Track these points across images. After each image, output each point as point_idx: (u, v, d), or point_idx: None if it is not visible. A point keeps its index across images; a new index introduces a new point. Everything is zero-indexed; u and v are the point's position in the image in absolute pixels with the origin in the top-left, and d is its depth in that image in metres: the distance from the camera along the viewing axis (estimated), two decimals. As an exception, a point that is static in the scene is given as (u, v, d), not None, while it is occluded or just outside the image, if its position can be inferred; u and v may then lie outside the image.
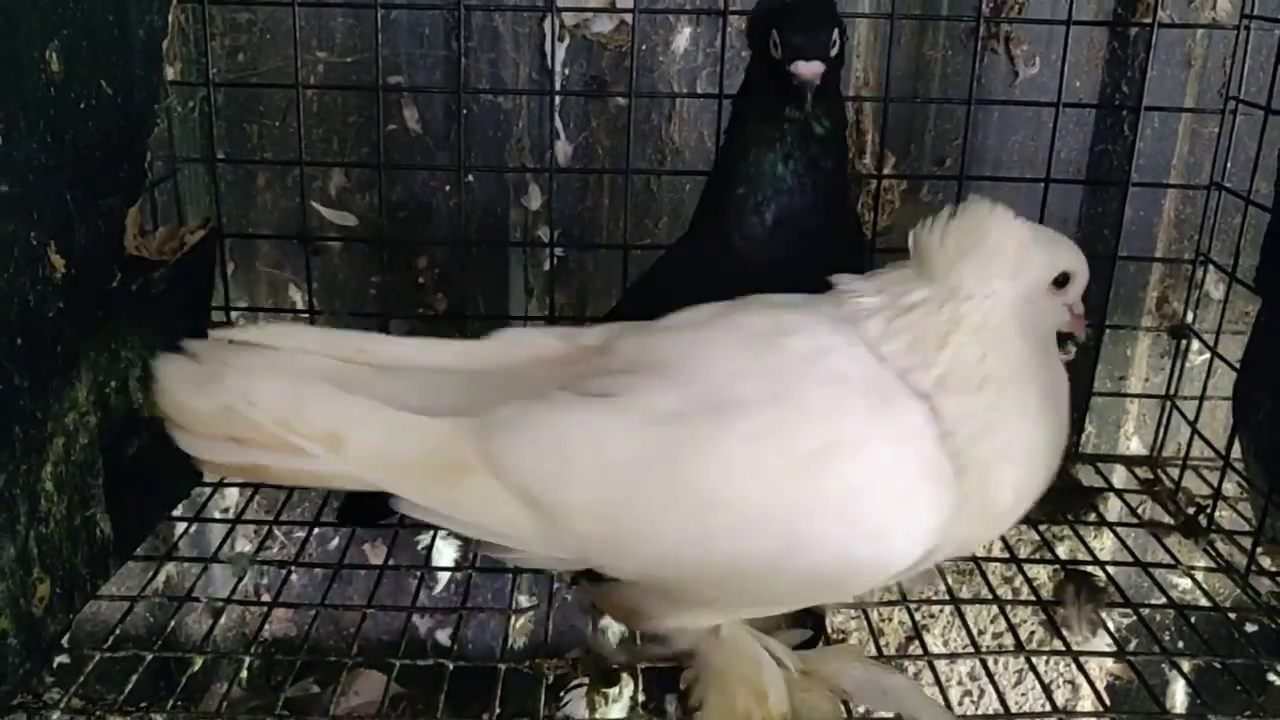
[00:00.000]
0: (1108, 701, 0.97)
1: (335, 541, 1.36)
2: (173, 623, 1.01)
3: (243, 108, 1.27)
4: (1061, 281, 0.78)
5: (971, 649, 1.00)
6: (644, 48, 1.24)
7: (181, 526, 1.13)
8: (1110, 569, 1.06)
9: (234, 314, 1.28)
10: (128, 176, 0.96)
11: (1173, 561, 1.10)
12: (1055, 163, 1.22)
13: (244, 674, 1.41)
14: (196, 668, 0.95)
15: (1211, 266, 1.25)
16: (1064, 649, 0.95)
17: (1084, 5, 1.22)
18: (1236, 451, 1.09)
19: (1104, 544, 1.24)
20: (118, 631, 0.95)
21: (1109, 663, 1.20)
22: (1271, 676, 0.98)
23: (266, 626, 1.43)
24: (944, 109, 1.29)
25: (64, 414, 0.87)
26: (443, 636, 1.42)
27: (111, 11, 0.92)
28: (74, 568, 0.89)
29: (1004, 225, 0.75)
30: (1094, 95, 1.29)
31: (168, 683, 1.15)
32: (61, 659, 0.91)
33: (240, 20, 1.24)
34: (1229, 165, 1.22)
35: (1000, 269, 0.73)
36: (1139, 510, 1.21)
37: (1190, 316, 1.30)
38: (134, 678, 0.89)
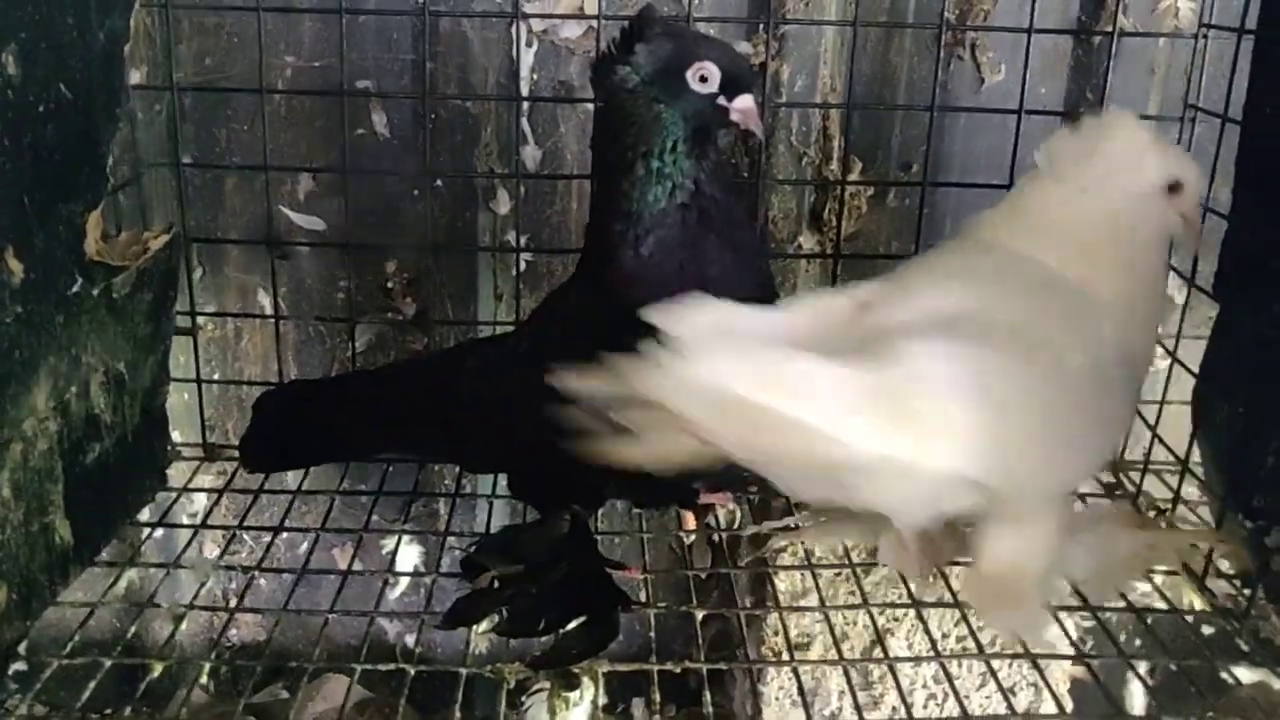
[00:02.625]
0: (1068, 705, 0.97)
1: (303, 546, 1.36)
2: (135, 628, 1.00)
3: (211, 112, 1.27)
4: (1174, 188, 0.88)
5: (933, 653, 1.01)
6: (611, 53, 1.24)
7: (146, 531, 1.13)
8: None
9: (200, 319, 1.27)
10: (88, 181, 0.96)
11: (1132, 565, 1.11)
12: (1020, 169, 1.23)
13: (209, 679, 1.41)
14: (158, 673, 0.94)
15: (1172, 273, 1.26)
16: (1024, 652, 0.96)
17: (1048, 13, 1.23)
18: (1196, 456, 1.10)
19: (1067, 547, 1.25)
20: (78, 638, 0.94)
21: (1068, 665, 1.20)
22: (1227, 678, 0.99)
23: (234, 632, 1.43)
24: (910, 115, 1.30)
25: (22, 420, 0.86)
26: (411, 641, 1.42)
27: (71, 14, 0.91)
28: (31, 574, 0.89)
29: (1124, 130, 0.88)
30: (1059, 102, 1.30)
31: (132, 688, 1.15)
32: (19, 666, 0.91)
33: (208, 24, 1.24)
34: (1189, 173, 1.23)
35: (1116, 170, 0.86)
36: (1101, 514, 1.21)
37: (1152, 322, 1.31)
38: (93, 684, 0.89)
